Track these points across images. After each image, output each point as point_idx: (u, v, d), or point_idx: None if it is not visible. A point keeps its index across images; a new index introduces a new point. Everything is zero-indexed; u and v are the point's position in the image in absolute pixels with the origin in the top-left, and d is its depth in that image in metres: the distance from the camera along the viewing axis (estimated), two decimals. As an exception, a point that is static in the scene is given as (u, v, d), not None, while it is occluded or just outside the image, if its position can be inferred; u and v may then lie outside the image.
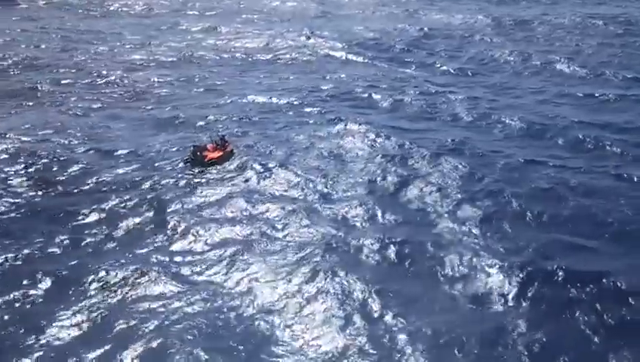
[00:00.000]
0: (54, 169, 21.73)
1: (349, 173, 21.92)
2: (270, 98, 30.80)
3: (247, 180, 20.94)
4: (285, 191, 20.38)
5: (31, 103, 29.22)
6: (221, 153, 22.51)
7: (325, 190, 20.44)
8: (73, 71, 34.98)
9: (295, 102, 30.01)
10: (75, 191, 20.04)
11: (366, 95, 31.85)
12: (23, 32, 45.19)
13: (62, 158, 22.30)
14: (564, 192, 20.88)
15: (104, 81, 33.36)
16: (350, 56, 41.10)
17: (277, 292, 15.15)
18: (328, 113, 28.30)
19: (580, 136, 26.83)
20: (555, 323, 14.61)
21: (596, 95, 34.04)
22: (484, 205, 20.01)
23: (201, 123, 27.03)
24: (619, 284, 15.83)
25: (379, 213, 19.02)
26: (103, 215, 18.37)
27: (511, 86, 36.14)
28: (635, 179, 22.16)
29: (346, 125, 26.34)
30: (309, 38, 44.77)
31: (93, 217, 18.43)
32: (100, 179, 20.82)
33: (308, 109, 29.01)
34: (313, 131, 25.80)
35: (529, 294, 15.63)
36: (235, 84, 33.93)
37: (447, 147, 24.67)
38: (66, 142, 24.04)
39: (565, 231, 18.49)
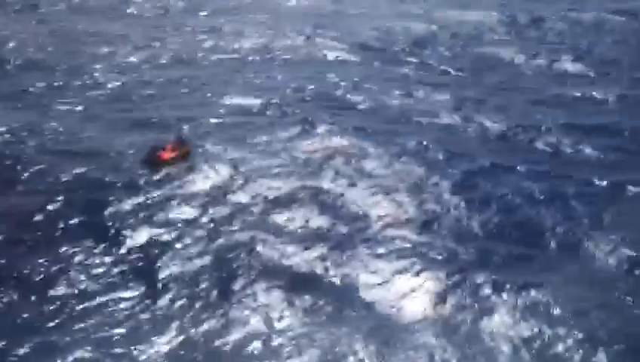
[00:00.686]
0: (17, 168, 22.54)
1: (299, 176, 21.82)
2: (252, 99, 30.78)
3: (192, 182, 21.12)
4: (228, 195, 20.45)
5: (19, 105, 30.31)
6: (175, 154, 22.80)
7: (267, 193, 20.42)
8: (68, 73, 35.76)
9: (273, 103, 29.91)
10: (26, 190, 20.72)
11: (348, 96, 31.59)
12: (33, 35, 46.85)
13: (24, 159, 23.04)
14: (517, 200, 20.25)
15: (95, 83, 34.00)
16: (347, 56, 40.70)
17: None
18: (301, 115, 28.01)
19: (559, 141, 26.01)
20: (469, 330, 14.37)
21: (596, 96, 32.88)
22: (429, 210, 19.63)
23: (174, 124, 27.29)
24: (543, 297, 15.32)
25: (313, 217, 18.92)
26: (42, 215, 18.90)
27: (506, 87, 35.22)
28: (597, 189, 21.38)
29: (314, 128, 26.19)
30: (308, 37, 44.67)
31: (37, 217, 19.07)
32: (54, 180, 21.41)
33: (283, 110, 28.88)
34: (279, 134, 25.74)
35: (446, 302, 15.36)
36: (222, 85, 34.07)
37: (410, 150, 24.25)
38: (36, 143, 24.72)
39: (503, 240, 17.95)
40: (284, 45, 43.67)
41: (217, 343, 13.67)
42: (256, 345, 13.62)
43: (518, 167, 22.99)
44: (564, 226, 18.65)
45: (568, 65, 39.43)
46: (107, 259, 16.81)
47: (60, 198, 19.82)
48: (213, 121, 27.59)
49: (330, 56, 40.68)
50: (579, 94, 33.22)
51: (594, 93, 33.23)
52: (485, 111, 29.30)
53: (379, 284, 15.95)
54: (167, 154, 22.53)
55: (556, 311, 14.87)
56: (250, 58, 40.90)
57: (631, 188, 21.48)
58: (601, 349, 13.64)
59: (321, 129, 25.78)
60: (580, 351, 13.58)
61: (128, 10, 58.90)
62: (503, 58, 41.40)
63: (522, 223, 18.87)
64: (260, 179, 21.28)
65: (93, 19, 54.60)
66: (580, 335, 14.03)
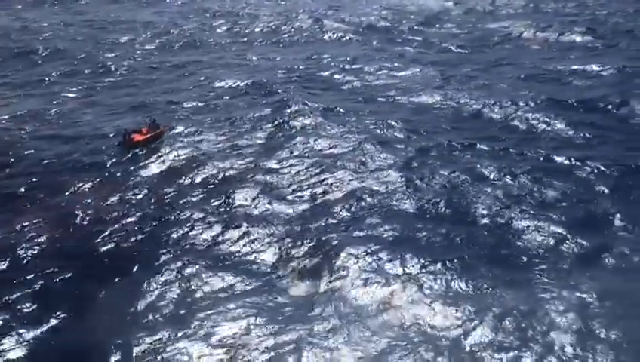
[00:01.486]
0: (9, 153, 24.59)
1: (256, 156, 22.55)
2: (241, 81, 31.64)
3: (155, 162, 22.28)
4: (181, 174, 21.44)
5: (32, 92, 32.49)
6: (147, 136, 24.05)
7: (218, 173, 21.34)
8: (85, 61, 37.67)
9: (259, 85, 30.74)
10: (10, 171, 22.66)
11: (335, 76, 32.10)
12: (66, 25, 49.57)
13: (17, 143, 25.05)
14: (461, 179, 20.06)
15: (106, 69, 35.76)
16: (350, 37, 41.12)
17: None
18: (280, 96, 28.60)
19: (534, 117, 25.39)
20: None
21: (594, 70, 31.75)
22: (367, 188, 19.90)
23: (163, 107, 28.70)
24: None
25: (256, 196, 19.63)
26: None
27: (505, 62, 34.70)
28: (554, 166, 20.95)
29: (287, 108, 26.70)
30: (318, 20, 45.03)
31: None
32: (37, 161, 23.20)
33: (266, 92, 29.69)
34: (252, 114, 26.41)
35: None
36: (221, 68, 35.15)
37: (371, 130, 24.40)
38: (32, 128, 26.51)
39: (435, 220, 17.95)
40: (293, 27, 44.32)
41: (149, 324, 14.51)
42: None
43: (478, 145, 22.65)
44: (497, 205, 18.43)
45: (577, 37, 37.98)
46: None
47: (34, 179, 21.63)
48: (196, 103, 28.49)
49: (334, 37, 40.98)
50: (576, 67, 32.14)
51: (594, 66, 32.00)
52: (470, 89, 28.83)
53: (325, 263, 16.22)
54: (139, 137, 23.73)
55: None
56: (259, 41, 41.87)
57: (588, 165, 20.86)
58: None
59: (293, 109, 26.31)
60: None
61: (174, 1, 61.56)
62: (510, 33, 40.40)
63: (458, 203, 18.68)
64: (217, 160, 22.03)
65: (126, 8, 57.15)
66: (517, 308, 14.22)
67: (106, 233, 17.79)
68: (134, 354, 12.89)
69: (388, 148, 22.53)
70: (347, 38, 40.65)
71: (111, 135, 25.31)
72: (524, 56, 34.99)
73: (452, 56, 35.90)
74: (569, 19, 42.01)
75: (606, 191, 19.37)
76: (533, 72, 31.71)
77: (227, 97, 29.44)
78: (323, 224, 17.98)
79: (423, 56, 35.70)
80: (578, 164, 21.10)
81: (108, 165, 22.40)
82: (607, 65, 31.48)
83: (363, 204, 18.98)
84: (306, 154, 22.49)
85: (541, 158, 21.81)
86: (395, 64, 33.71)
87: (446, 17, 44.90)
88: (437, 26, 42.77)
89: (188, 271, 16.05)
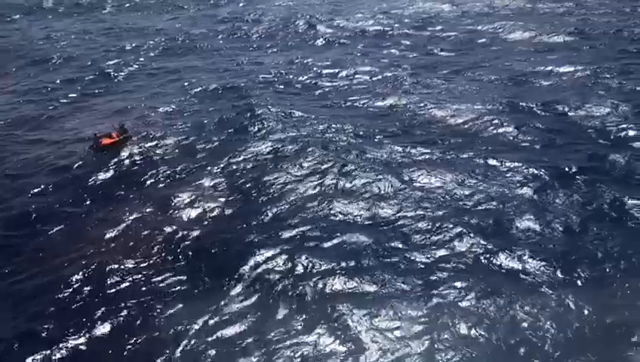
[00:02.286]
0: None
1: (210, 159, 23.78)
2: (219, 86, 32.72)
3: (118, 165, 23.72)
4: (138, 175, 22.83)
5: (33, 98, 34.51)
6: (113, 140, 25.66)
7: (175, 174, 22.66)
8: (86, 68, 39.36)
9: (233, 89, 31.88)
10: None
11: (308, 81, 32.76)
12: (83, 32, 52.25)
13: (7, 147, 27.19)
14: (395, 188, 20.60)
15: (104, 75, 37.43)
16: (341, 41, 41.67)
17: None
18: (250, 100, 29.50)
19: (491, 123, 25.49)
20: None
21: (571, 71, 31.46)
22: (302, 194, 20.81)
23: (140, 111, 29.85)
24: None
25: (209, 196, 20.86)
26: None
27: (488, 64, 34.36)
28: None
29: (252, 112, 27.59)
30: (313, 25, 45.93)
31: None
32: (15, 165, 25.17)
33: (238, 96, 30.67)
34: (216, 119, 27.59)
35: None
36: (206, 72, 36.33)
37: (324, 133, 25.16)
38: (20, 132, 28.75)
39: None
40: (289, 32, 45.36)
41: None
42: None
43: (418, 148, 22.82)
44: (418, 210, 18.88)
45: (564, 37, 37.48)
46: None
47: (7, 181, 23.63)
48: (171, 107, 29.84)
49: (324, 42, 41.73)
50: (551, 68, 31.85)
51: (567, 67, 31.64)
52: (437, 93, 28.96)
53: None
54: (107, 141, 25.34)
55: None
56: (254, 46, 43.12)
57: (519, 169, 20.96)
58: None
59: (255, 112, 27.31)
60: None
61: (178, 4, 63.84)
62: (500, 35, 40.19)
63: (383, 206, 19.10)
64: (175, 161, 23.67)
65: (143, 16, 59.60)
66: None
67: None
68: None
69: (329, 151, 23.25)
70: (337, 42, 41.26)
71: (87, 139, 27.20)
72: (505, 58, 34.72)
73: (433, 60, 36.00)
74: (562, 20, 41.33)
75: (529, 194, 19.59)
76: (508, 75, 31.54)
77: (199, 102, 30.57)
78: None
79: (404, 60, 35.95)
80: (511, 166, 21.25)
81: (74, 167, 24.13)
82: (581, 66, 31.09)
83: (289, 205, 19.93)
84: (253, 158, 23.57)
85: (476, 161, 22.03)
86: (373, 68, 34.14)
87: (441, 20, 44.88)
88: (429, 29, 42.78)
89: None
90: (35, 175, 23.53)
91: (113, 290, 16.15)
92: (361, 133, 25.25)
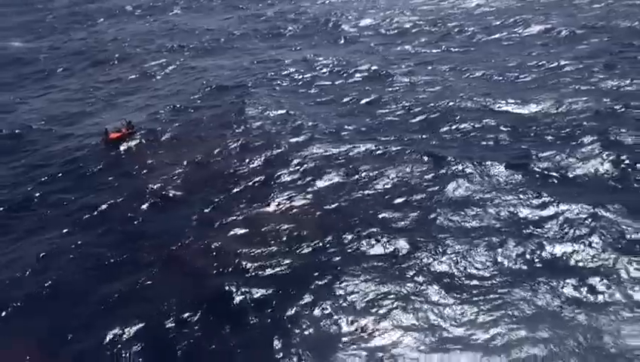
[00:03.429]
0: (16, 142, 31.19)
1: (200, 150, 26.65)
2: (218, 84, 36.14)
3: (124, 155, 27.37)
4: (141, 164, 25.88)
5: (75, 95, 39.32)
6: (120, 134, 29.26)
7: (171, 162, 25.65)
8: (131, 67, 43.89)
9: (231, 87, 35.00)
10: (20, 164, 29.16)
11: (298, 80, 35.33)
12: (145, 33, 57.37)
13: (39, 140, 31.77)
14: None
15: (142, 75, 41.75)
16: (359, 39, 43.32)
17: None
18: (239, 98, 32.44)
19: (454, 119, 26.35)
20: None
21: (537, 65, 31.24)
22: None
23: (154, 110, 33.49)
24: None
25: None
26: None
27: (468, 62, 34.80)
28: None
29: (236, 114, 30.33)
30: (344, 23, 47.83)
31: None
32: (41, 152, 29.47)
33: (232, 94, 33.64)
34: (206, 115, 30.64)
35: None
36: (217, 69, 39.41)
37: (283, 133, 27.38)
38: (55, 128, 33.33)
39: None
40: (318, 30, 47.68)
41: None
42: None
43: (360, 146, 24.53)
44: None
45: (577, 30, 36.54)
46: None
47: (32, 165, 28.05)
48: (176, 105, 33.18)
49: (346, 39, 43.89)
50: (534, 63, 31.81)
51: (549, 62, 31.53)
52: (413, 91, 30.28)
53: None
54: (114, 135, 29.06)
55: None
56: (273, 44, 45.99)
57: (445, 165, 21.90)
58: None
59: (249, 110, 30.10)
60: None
61: (237, 4, 67.67)
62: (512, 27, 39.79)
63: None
64: (170, 153, 26.64)
65: (202, 16, 64.11)
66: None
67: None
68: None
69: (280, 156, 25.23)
70: (355, 40, 43.05)
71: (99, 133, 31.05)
72: (501, 52, 34.90)
73: (436, 57, 36.78)
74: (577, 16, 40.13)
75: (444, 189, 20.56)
76: (489, 71, 31.97)
77: (195, 100, 33.82)
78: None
79: (402, 61, 36.98)
80: (448, 161, 22.18)
81: (88, 155, 27.91)
82: (561, 61, 30.99)
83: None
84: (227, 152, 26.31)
85: (410, 157, 23.12)
86: (366, 67, 35.87)
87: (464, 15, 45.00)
88: (451, 25, 43.31)
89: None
90: (48, 166, 27.76)
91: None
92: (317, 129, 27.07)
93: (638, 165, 19.96)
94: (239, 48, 46.14)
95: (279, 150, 24.80)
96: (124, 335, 15.24)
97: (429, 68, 34.13)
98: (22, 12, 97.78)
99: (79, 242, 20.04)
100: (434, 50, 37.87)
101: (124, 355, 14.63)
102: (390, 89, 31.25)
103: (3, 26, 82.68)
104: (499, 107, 26.53)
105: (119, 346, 14.96)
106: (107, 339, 15.15)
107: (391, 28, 45.47)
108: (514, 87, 29.22)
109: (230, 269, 17.41)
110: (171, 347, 14.81)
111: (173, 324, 15.51)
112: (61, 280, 17.97)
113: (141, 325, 15.52)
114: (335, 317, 15.00)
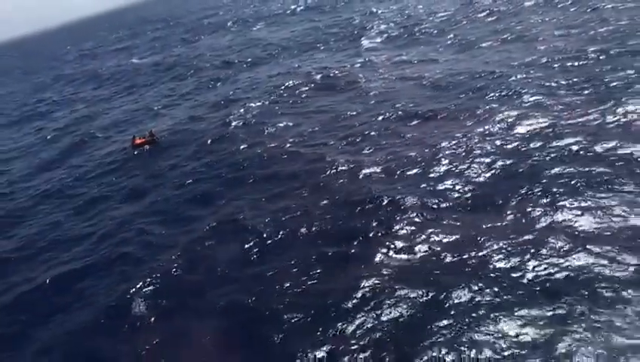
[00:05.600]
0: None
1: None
2: (231, 93, 40.05)
3: (145, 158, 31.43)
4: (161, 166, 29.29)
5: (140, 98, 46.82)
6: (144, 140, 34.46)
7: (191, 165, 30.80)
8: (197, 77, 49.92)
9: (238, 98, 38.49)
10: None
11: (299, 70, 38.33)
12: (226, 47, 63.82)
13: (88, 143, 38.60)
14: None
15: (198, 88, 47.40)
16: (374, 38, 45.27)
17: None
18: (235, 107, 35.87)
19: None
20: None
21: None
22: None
23: (179, 119, 38.59)
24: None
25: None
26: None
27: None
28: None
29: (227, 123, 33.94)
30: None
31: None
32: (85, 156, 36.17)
33: (235, 104, 36.71)
34: (211, 125, 34.76)
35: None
36: (258, 82, 42.87)
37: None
38: (110, 133, 40.08)
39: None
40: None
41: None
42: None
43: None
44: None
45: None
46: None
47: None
48: (190, 114, 37.87)
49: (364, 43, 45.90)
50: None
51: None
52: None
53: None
54: (138, 141, 34.47)
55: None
56: (304, 52, 49.31)
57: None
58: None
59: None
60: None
61: (310, 17, 71.61)
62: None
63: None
64: (205, 156, 29.25)
65: (275, 29, 69.30)
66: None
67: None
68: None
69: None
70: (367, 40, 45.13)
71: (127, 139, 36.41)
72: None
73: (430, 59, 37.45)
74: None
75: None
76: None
77: (214, 110, 37.39)
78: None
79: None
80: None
81: (118, 157, 33.44)
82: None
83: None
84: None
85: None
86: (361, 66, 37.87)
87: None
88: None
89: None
90: (85, 165, 34.14)
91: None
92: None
93: None
94: (284, 57, 49.65)
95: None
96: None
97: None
98: (155, 29, 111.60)
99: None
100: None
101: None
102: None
103: (136, 44, 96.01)
104: None
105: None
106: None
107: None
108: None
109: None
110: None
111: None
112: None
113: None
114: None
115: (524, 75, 28.29)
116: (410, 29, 46.55)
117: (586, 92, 24.41)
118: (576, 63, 28.36)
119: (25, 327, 17.59)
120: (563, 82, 26.13)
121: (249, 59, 51.42)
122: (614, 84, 24.50)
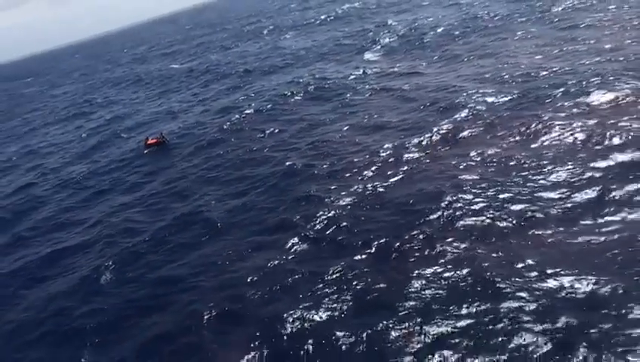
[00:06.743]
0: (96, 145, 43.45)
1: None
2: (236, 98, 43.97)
3: (155, 157, 35.84)
4: (171, 166, 33.46)
5: (162, 98, 51.67)
6: (155, 141, 39.01)
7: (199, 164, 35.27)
8: (218, 82, 54.88)
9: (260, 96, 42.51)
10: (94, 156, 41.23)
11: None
12: (250, 54, 68.26)
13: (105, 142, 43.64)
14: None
15: (225, 86, 52.41)
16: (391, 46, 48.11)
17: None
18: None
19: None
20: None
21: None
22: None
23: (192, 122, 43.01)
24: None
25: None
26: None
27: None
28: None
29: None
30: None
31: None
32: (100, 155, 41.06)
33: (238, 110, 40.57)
34: (220, 128, 38.98)
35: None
36: (267, 89, 47.16)
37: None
38: (124, 135, 44.93)
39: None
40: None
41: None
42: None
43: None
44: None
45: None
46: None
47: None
48: (199, 119, 41.97)
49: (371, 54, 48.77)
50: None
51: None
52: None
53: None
54: (150, 141, 39.00)
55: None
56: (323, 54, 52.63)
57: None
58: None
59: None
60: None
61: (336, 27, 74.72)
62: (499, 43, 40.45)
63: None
64: (196, 158, 33.60)
65: (304, 37, 72.90)
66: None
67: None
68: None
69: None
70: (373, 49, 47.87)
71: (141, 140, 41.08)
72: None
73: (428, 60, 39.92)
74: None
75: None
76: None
77: (223, 115, 41.14)
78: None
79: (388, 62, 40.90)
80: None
81: (131, 154, 38.29)
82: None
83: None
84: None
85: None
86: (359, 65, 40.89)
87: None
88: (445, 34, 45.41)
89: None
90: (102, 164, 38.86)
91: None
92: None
93: None
94: (303, 64, 52.87)
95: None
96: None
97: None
98: (203, 35, 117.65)
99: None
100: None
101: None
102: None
103: (182, 49, 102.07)
104: None
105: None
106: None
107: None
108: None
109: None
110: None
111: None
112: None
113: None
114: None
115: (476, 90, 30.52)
116: (412, 42, 48.96)
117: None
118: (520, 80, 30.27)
119: (16, 289, 21.93)
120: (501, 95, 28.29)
121: (266, 68, 55.09)
122: None
